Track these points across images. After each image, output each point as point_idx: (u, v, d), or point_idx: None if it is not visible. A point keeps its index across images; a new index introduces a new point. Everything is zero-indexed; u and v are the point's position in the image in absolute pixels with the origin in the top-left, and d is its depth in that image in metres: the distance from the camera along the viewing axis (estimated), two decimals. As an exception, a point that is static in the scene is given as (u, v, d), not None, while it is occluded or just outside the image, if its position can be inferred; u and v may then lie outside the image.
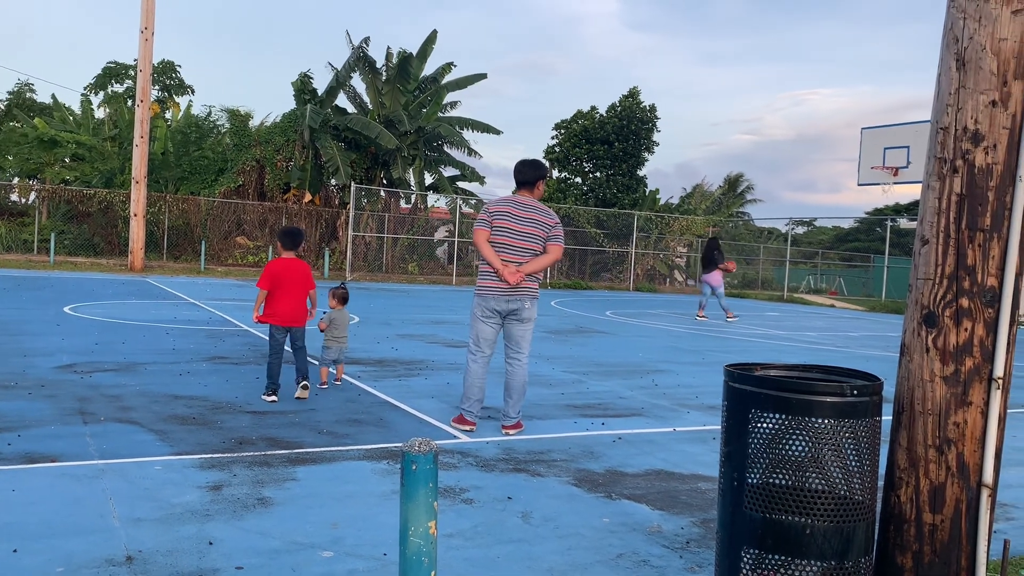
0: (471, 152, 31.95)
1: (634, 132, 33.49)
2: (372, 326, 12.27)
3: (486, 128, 31.81)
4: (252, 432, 5.37)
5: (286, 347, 6.60)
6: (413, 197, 31.41)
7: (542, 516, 4.06)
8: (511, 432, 5.79)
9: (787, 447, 2.89)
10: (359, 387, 7.24)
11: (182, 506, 3.88)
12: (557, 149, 34.68)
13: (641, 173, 34.85)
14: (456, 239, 28.96)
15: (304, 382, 6.55)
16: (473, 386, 5.79)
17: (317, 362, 7.33)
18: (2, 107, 35.67)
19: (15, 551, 3.24)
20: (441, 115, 31.49)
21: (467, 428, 5.80)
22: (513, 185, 6.23)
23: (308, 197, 28.81)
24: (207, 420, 5.64)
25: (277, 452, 4.92)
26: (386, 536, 3.65)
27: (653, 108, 33.85)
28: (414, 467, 1.88)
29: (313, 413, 6.07)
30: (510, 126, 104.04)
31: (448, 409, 6.48)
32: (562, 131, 34.70)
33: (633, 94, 33.75)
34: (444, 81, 31.52)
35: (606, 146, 33.46)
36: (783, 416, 2.88)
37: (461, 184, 32.85)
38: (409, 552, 1.91)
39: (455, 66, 31.57)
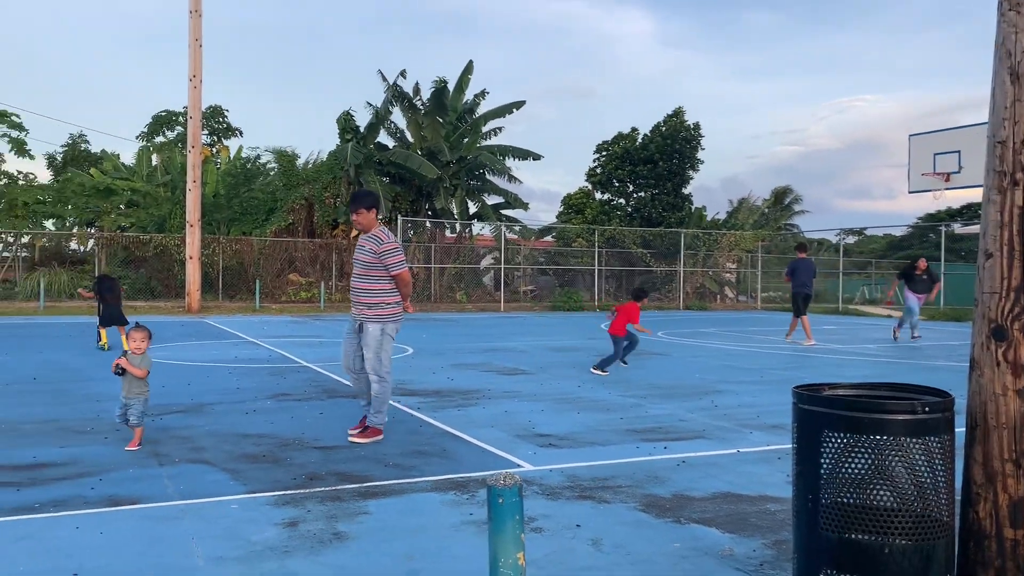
0: (512, 179, 32.24)
1: (678, 151, 33.45)
2: (426, 357, 12.41)
3: (526, 154, 32.08)
4: (321, 467, 5.49)
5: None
6: (458, 226, 31.74)
7: (613, 543, 4.08)
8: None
9: (860, 466, 2.90)
10: (420, 418, 7.34)
11: (261, 543, 3.99)
12: (599, 171, 34.78)
13: (686, 191, 34.75)
14: (502, 266, 29.16)
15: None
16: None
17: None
18: (59, 159, 37.01)
19: (109, 592, 3.38)
20: (481, 144, 31.86)
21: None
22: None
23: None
24: (277, 457, 5.79)
25: (347, 486, 5.03)
26: (461, 567, 3.71)
27: (697, 127, 33.82)
28: (501, 501, 1.95)
29: (378, 446, 6.18)
30: (550, 150, 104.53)
31: (508, 438, 6.54)
32: (603, 153, 34.81)
33: (677, 114, 33.78)
34: (482, 110, 31.93)
35: (650, 165, 33.45)
36: (854, 436, 2.89)
37: (505, 211, 33.11)
38: (499, 584, 1.98)
39: (489, 93, 31.98)
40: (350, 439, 6.27)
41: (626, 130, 34.65)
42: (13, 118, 27.22)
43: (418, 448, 6.15)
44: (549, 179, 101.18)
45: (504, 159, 31.93)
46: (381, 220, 6.95)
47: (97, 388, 8.90)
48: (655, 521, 4.45)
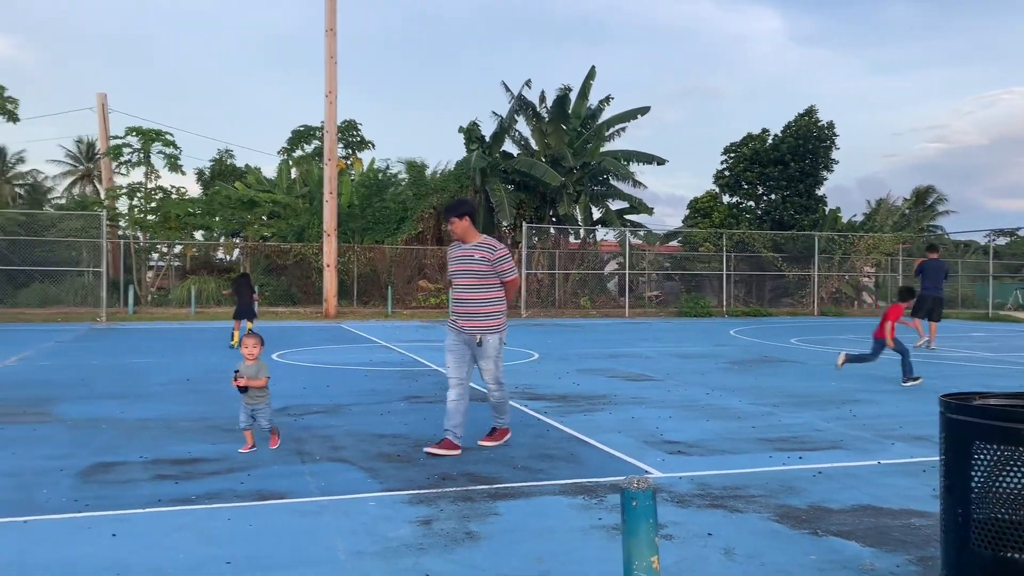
0: (636, 183, 31.96)
1: (811, 151, 32.24)
2: (551, 362, 12.48)
3: (650, 158, 31.73)
4: (453, 468, 5.64)
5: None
6: (582, 232, 31.74)
7: (745, 553, 3.99)
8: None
9: (1016, 481, 2.73)
10: (547, 423, 7.40)
11: (397, 540, 4.14)
12: (727, 173, 33.97)
13: (820, 192, 33.43)
14: (627, 271, 28.92)
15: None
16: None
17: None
18: (207, 174, 39.47)
19: (259, 580, 3.59)
20: (605, 149, 31.75)
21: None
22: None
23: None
24: (411, 457, 5.98)
25: (478, 487, 5.14)
26: (591, 570, 3.73)
27: (831, 126, 32.50)
28: (634, 503, 1.96)
29: (507, 449, 6.28)
30: (675, 153, 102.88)
31: (636, 444, 6.50)
32: (732, 155, 33.97)
33: (810, 112, 32.58)
34: (606, 116, 31.85)
35: (780, 167, 32.39)
36: (1010, 448, 2.72)
37: (629, 216, 32.85)
38: (633, 586, 1.99)
39: (613, 99, 31.84)
40: (427, 451, 6.08)
41: (755, 131, 33.70)
42: (167, 136, 29.25)
43: (545, 452, 6.21)
44: (674, 183, 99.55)
45: (628, 164, 31.71)
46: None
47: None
48: (790, 532, 4.32)
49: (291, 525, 4.40)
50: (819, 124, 32.53)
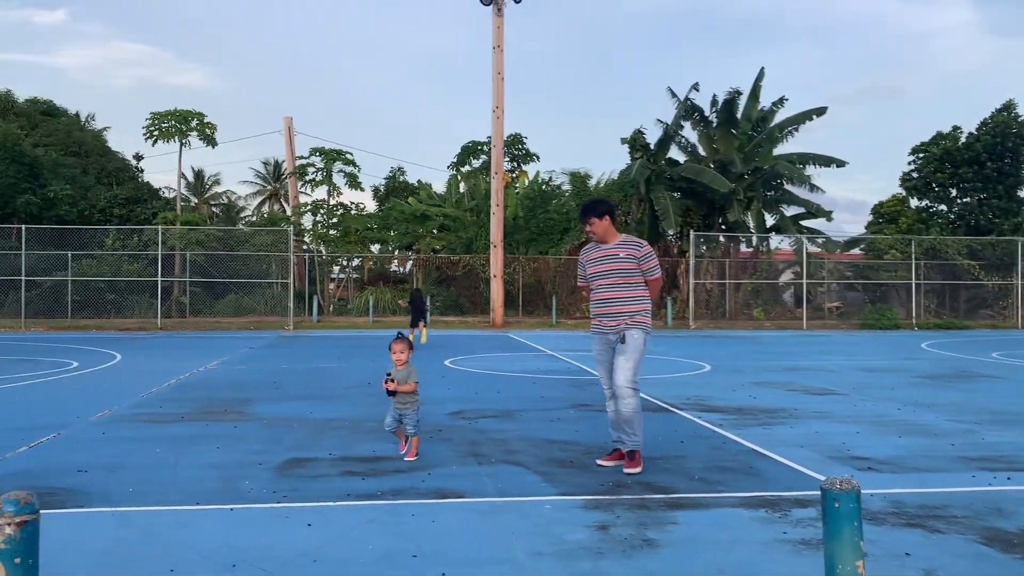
0: (813, 188, 30.49)
1: (1010, 150, 29.57)
2: (724, 374, 12.12)
3: (828, 161, 30.21)
4: (627, 477, 5.57)
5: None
6: (754, 240, 30.67)
7: (949, 575, 3.69)
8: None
9: None
10: (723, 435, 7.18)
11: (575, 543, 4.14)
12: (915, 175, 31.74)
13: (1022, 194, 30.58)
14: (804, 281, 27.61)
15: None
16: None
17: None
18: (382, 190, 41.46)
19: (443, 575, 3.70)
20: (777, 152, 30.55)
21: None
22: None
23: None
24: (583, 464, 5.98)
25: (654, 496, 5.06)
26: (777, 586, 3.57)
27: (1034, 120, 29.68)
28: (837, 505, 1.86)
29: (682, 460, 6.14)
30: (855, 156, 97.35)
31: (821, 459, 6.17)
32: (920, 156, 31.72)
33: (1008, 107, 29.93)
34: (779, 118, 30.64)
35: (976, 167, 29.89)
36: None
37: (805, 223, 31.40)
38: (839, 595, 1.88)
39: (788, 100, 30.57)
40: (599, 463, 5.87)
41: (946, 129, 31.29)
42: (347, 156, 31.07)
43: (722, 464, 6.02)
44: (854, 187, 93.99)
45: (804, 168, 30.33)
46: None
47: (421, 393, 9.77)
48: (1001, 556, 3.95)
49: (471, 523, 4.50)
50: (1020, 120, 29.79)
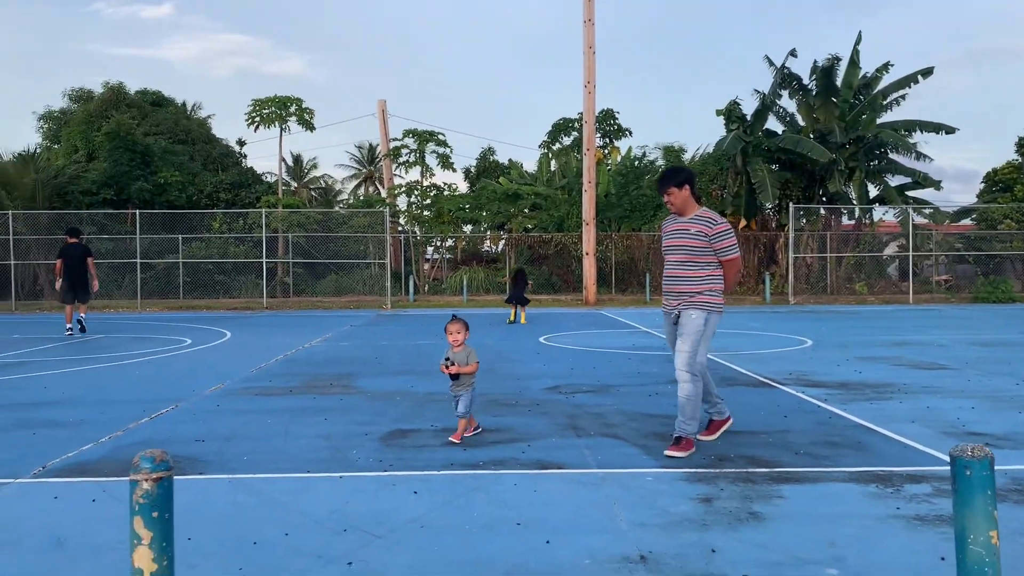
0: (920, 156, 29.06)
1: None
2: (827, 349, 11.76)
3: (936, 128, 28.71)
4: (729, 450, 5.49)
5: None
6: (856, 211, 29.51)
7: (1083, 556, 3.49)
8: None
9: None
10: (828, 410, 6.98)
11: (679, 515, 4.11)
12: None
13: None
14: (910, 253, 26.43)
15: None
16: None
17: None
18: (473, 171, 41.76)
19: (548, 542, 3.74)
20: (881, 121, 29.21)
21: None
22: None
23: (743, 223, 28.76)
24: (684, 438, 5.91)
25: (758, 470, 4.97)
26: (890, 559, 3.46)
27: None
28: (968, 473, 1.78)
29: (786, 435, 6.00)
30: (964, 122, 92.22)
31: (933, 434, 5.93)
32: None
33: None
34: (882, 84, 29.26)
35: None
36: None
37: (911, 193, 30.00)
38: (969, 562, 1.80)
39: (893, 65, 29.14)
40: (668, 454, 5.33)
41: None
42: (439, 137, 31.44)
43: (828, 439, 5.85)
44: (964, 155, 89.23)
45: (909, 135, 28.92)
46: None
47: (518, 369, 9.89)
48: None
49: (573, 494, 4.53)
50: None
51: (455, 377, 5.75)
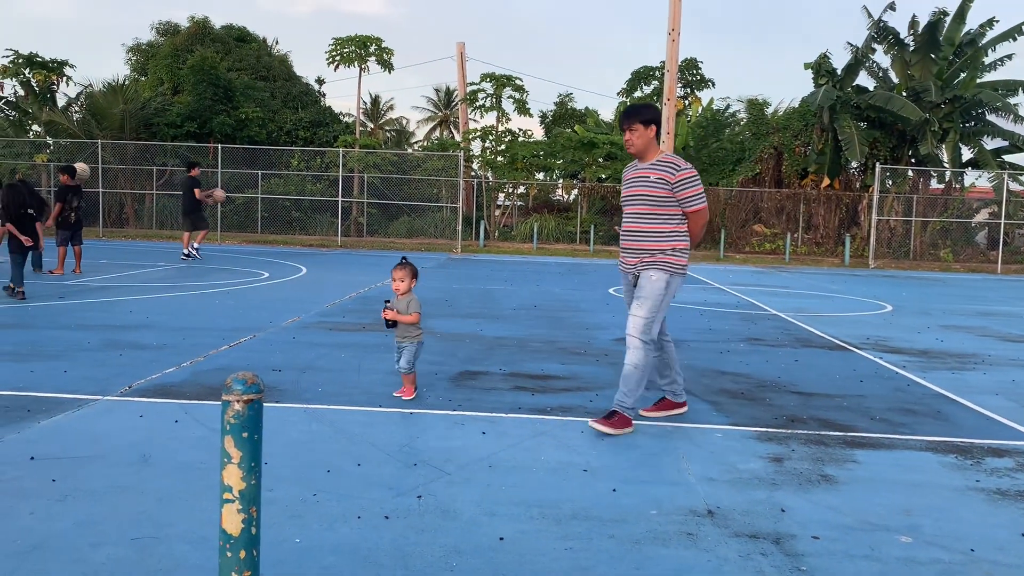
0: (1019, 119, 27.49)
1: None
2: (908, 315, 11.39)
3: (1045, 87, 27.08)
4: (802, 412, 5.40)
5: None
6: (947, 175, 28.24)
7: None
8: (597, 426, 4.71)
9: None
10: (906, 377, 6.78)
11: (748, 472, 4.08)
12: None
13: None
14: (1002, 221, 25.26)
15: None
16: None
17: None
18: (549, 117, 41.29)
19: (614, 490, 3.75)
20: (982, 80, 27.69)
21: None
22: None
23: (826, 182, 27.84)
24: (755, 396, 5.84)
25: (831, 433, 4.88)
26: (969, 531, 3.37)
27: None
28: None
29: (861, 399, 5.87)
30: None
31: (1019, 408, 5.72)
32: None
33: None
34: (985, 40, 27.64)
35: None
36: None
37: (1008, 157, 28.51)
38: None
39: (998, 21, 27.45)
40: (593, 426, 4.73)
41: None
42: (516, 81, 31.08)
43: (906, 406, 5.70)
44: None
45: (1011, 95, 27.36)
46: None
47: (587, 318, 9.87)
48: None
49: (641, 444, 4.52)
50: None
51: (393, 325, 5.31)
